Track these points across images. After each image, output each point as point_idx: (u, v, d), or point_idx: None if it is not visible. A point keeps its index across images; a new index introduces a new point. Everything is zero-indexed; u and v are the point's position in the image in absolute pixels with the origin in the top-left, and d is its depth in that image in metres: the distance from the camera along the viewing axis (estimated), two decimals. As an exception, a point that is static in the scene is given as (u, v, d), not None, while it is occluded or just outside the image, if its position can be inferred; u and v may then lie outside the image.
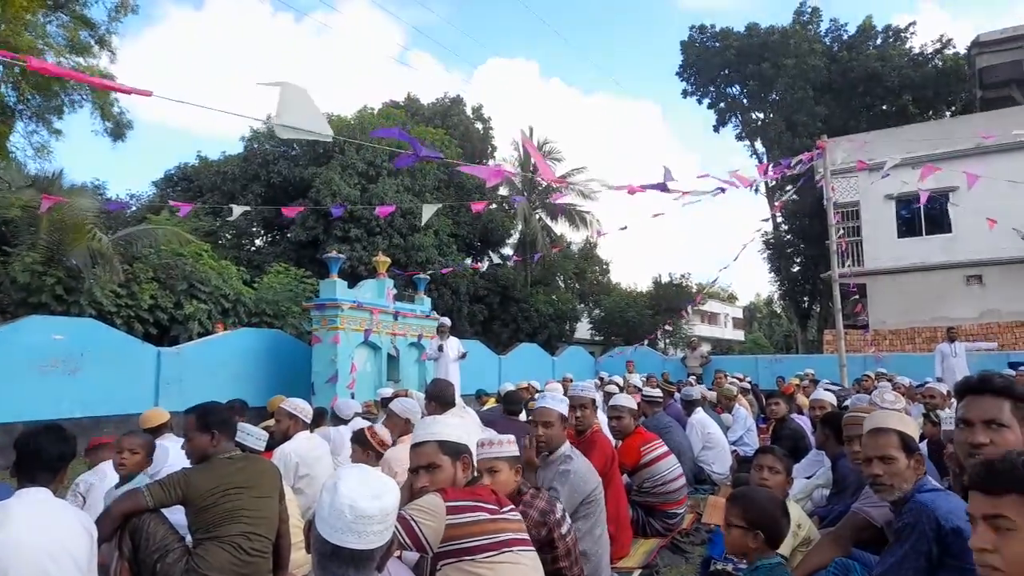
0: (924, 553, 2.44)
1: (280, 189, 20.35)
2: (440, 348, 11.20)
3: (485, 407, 9.30)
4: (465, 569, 2.40)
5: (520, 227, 26.81)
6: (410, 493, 2.74)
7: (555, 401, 4.00)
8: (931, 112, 29.06)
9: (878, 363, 13.48)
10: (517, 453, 3.14)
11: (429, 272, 16.44)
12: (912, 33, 29.62)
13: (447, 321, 11.96)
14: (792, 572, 3.16)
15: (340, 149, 19.89)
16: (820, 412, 5.50)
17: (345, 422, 5.96)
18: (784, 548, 3.47)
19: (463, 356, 11.60)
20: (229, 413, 3.49)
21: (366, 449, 4.43)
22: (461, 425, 2.95)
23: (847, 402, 5.44)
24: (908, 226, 20.67)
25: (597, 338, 30.71)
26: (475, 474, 2.86)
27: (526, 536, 2.65)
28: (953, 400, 7.27)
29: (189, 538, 3.20)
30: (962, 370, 12.15)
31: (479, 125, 28.72)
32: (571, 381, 10.74)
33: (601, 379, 11.44)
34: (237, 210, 5.22)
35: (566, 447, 3.92)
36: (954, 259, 19.48)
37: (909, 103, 27.99)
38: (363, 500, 1.66)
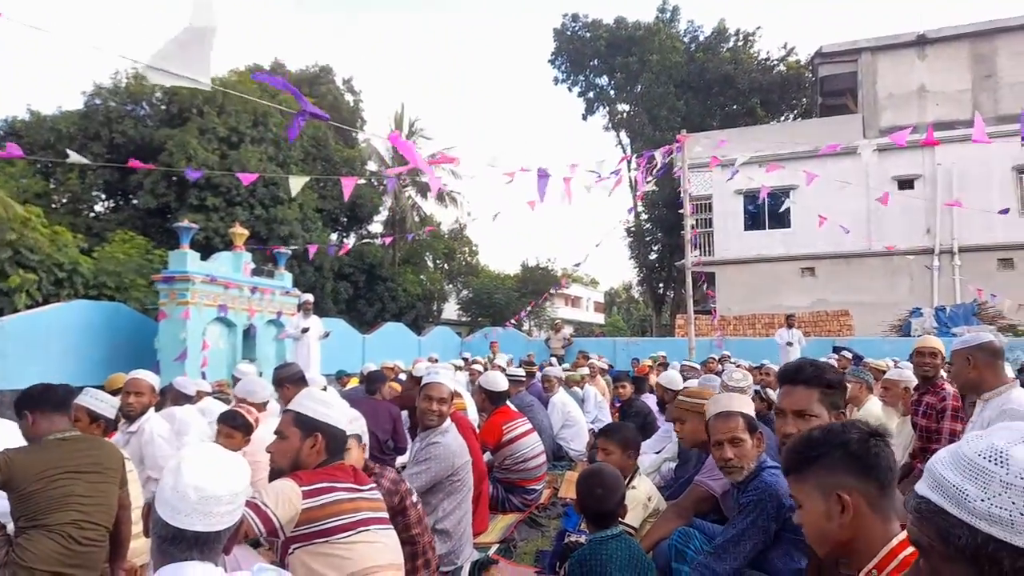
0: (764, 528, 2.65)
1: (125, 151, 18.66)
2: (305, 329, 10.83)
3: (347, 387, 9.11)
4: (319, 552, 2.35)
5: (389, 204, 26.35)
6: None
7: (447, 378, 4.08)
8: (777, 115, 31.39)
9: (720, 348, 14.50)
10: (364, 431, 3.20)
11: (292, 247, 15.79)
12: (759, 37, 31.85)
13: (310, 298, 11.56)
14: (639, 541, 3.35)
15: (199, 111, 18.58)
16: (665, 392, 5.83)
17: (191, 400, 5.62)
18: (634, 519, 3.66)
19: (326, 335, 11.29)
20: (50, 391, 3.15)
21: (237, 431, 4.03)
22: (331, 405, 2.84)
23: (696, 382, 5.78)
24: (754, 220, 22.34)
25: (464, 319, 30.89)
26: (331, 454, 2.80)
27: (385, 514, 2.64)
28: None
29: (11, 526, 2.91)
30: (796, 354, 13.35)
31: (350, 97, 27.84)
32: (436, 361, 10.74)
33: (465, 359, 11.53)
34: (75, 157, 4.69)
35: (448, 423, 3.99)
36: (791, 252, 21.31)
37: (758, 105, 30.06)
38: (210, 480, 1.57)
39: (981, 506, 0.88)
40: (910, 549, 1.41)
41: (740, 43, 31.47)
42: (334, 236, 25.14)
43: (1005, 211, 12.35)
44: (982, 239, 18.89)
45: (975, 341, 3.47)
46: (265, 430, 3.81)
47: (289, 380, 5.39)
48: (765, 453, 2.90)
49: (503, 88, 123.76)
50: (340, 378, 10.45)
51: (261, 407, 4.80)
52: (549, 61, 33.68)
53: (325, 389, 5.90)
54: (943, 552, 0.92)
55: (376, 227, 27.70)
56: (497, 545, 4.38)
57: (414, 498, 3.24)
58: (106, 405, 3.69)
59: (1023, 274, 18.79)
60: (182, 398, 5.59)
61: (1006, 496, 0.86)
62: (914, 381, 5.01)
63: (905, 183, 20.31)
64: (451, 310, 31.32)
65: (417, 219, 27.67)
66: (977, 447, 0.93)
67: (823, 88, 24.03)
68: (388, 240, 14.65)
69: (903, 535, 1.48)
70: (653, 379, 9.41)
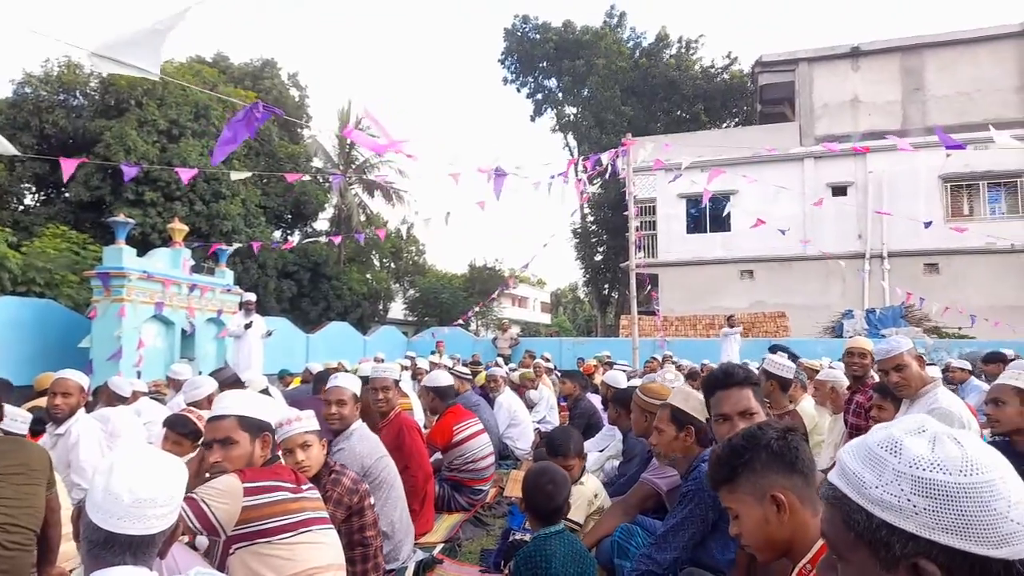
0: (701, 517, 2.73)
1: (57, 142, 17.94)
2: (248, 325, 10.59)
3: (289, 388, 8.96)
4: (261, 552, 2.32)
5: (335, 201, 25.96)
6: (197, 468, 2.61)
7: (348, 380, 4.03)
8: (719, 121, 32.16)
9: (663, 348, 14.78)
10: (318, 427, 3.17)
11: (235, 243, 15.40)
12: (702, 45, 32.59)
13: (252, 297, 11.31)
14: (583, 538, 3.40)
15: (137, 103, 17.96)
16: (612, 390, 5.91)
17: (126, 401, 5.44)
18: (579, 516, 3.72)
19: (268, 334, 11.07)
20: None
21: (186, 439, 3.71)
22: (265, 402, 2.84)
23: (639, 381, 5.89)
24: (696, 223, 22.84)
25: (411, 318, 30.67)
26: (276, 453, 2.80)
27: (325, 515, 2.63)
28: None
29: None
30: (734, 353, 13.73)
31: (295, 92, 27.31)
32: (382, 361, 10.64)
33: (411, 359, 11.46)
34: (3, 145, 4.45)
35: (355, 425, 3.94)
36: (731, 255, 21.88)
37: (701, 111, 30.76)
38: (145, 482, 1.53)
39: (875, 492, 0.93)
40: None
41: (683, 50, 32.14)
42: (277, 234, 24.64)
43: (928, 224, 12.95)
44: (910, 245, 19.72)
45: (904, 347, 3.61)
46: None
47: (226, 384, 5.26)
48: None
49: (453, 86, 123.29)
50: (283, 378, 10.25)
51: (207, 403, 4.64)
52: (499, 61, 33.83)
53: (266, 390, 5.80)
54: (846, 539, 0.97)
55: (322, 224, 27.29)
56: (442, 545, 4.38)
57: (372, 500, 3.25)
58: (18, 423, 3.54)
59: (948, 278, 19.70)
60: (117, 399, 5.40)
61: (896, 484, 0.91)
62: (843, 381, 5.21)
63: (839, 190, 21.07)
64: (397, 310, 31.08)
65: (364, 217, 27.34)
66: (877, 437, 0.98)
67: (763, 96, 24.72)
68: (336, 239, 14.43)
69: None
70: (598, 378, 9.54)
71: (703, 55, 32.60)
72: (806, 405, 5.74)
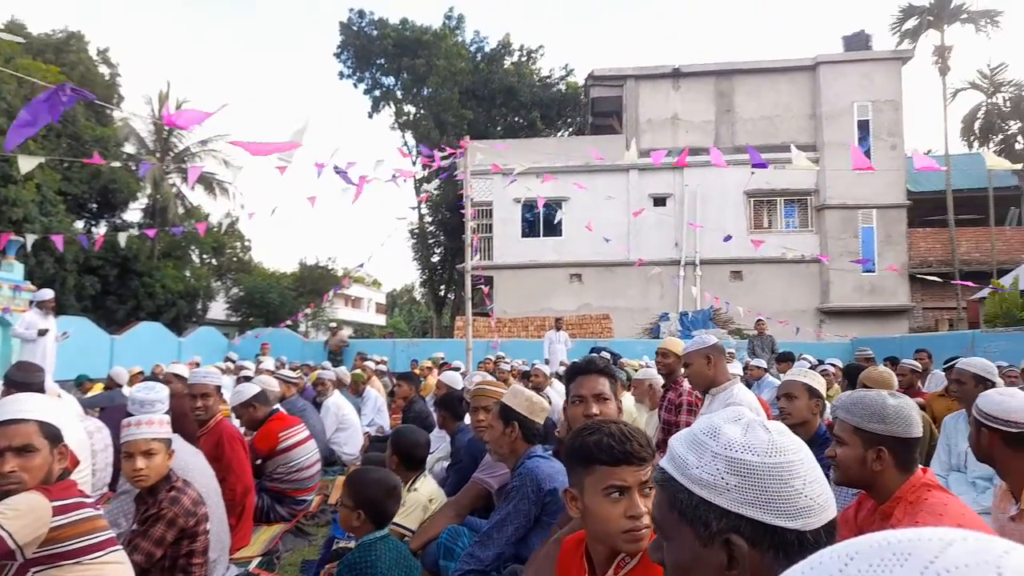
0: (524, 512, 2.79)
1: None
2: (43, 332, 9.38)
3: (88, 395, 8.09)
4: (73, 573, 2.08)
5: (149, 191, 23.89)
6: None
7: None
8: (555, 129, 33.37)
9: (496, 349, 15.05)
10: (171, 435, 2.97)
11: (28, 233, 13.63)
12: (541, 55, 33.71)
13: (47, 294, 10.06)
14: (412, 540, 3.36)
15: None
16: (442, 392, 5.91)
17: None
18: (413, 522, 3.65)
19: (64, 336, 9.93)
20: None
21: None
22: (58, 409, 2.51)
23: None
24: (530, 227, 23.54)
25: (234, 319, 28.91)
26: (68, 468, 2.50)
27: (112, 534, 2.39)
28: (554, 379, 8.42)
29: None
30: (562, 354, 14.24)
31: (105, 69, 24.82)
32: (198, 365, 9.91)
33: (232, 361, 10.79)
34: None
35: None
36: (562, 259, 22.77)
37: (538, 119, 31.74)
38: None
39: (696, 472, 1.02)
40: None
41: (524, 58, 33.03)
42: (80, 224, 22.26)
43: (728, 238, 14.28)
44: (719, 254, 21.54)
45: (710, 342, 3.96)
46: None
47: (20, 388, 4.57)
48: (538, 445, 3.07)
49: (285, 77, 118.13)
50: (81, 384, 9.21)
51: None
52: (335, 55, 32.81)
53: (60, 397, 5.18)
54: (671, 519, 1.05)
55: (133, 216, 25.02)
56: (259, 559, 4.14)
57: (208, 525, 3.04)
58: None
59: (750, 284, 21.80)
60: None
61: (713, 464, 1.01)
62: (659, 379, 5.58)
63: (659, 200, 22.63)
64: (219, 309, 29.15)
65: (182, 210, 25.42)
66: (701, 425, 1.09)
67: (594, 108, 25.95)
68: (150, 232, 13.16)
69: None
70: (431, 380, 9.51)
71: (542, 65, 33.74)
72: (626, 402, 6.08)
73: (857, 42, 23.38)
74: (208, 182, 25.62)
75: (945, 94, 24.50)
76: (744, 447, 1.01)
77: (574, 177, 19.69)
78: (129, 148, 24.70)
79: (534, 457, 2.96)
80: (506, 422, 3.02)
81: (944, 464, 4.41)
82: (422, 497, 3.77)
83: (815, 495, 0.99)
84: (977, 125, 24.97)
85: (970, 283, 15.79)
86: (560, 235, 22.85)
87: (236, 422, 5.86)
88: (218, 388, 4.61)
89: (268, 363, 9.63)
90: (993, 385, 3.91)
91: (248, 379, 6.88)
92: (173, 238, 23.50)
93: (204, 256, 28.60)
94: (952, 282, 16.92)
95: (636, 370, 7.42)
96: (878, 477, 2.13)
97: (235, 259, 31.48)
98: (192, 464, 3.60)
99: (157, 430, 2.89)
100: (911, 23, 24.78)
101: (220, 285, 29.28)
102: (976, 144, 25.05)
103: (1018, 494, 2.48)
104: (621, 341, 17.22)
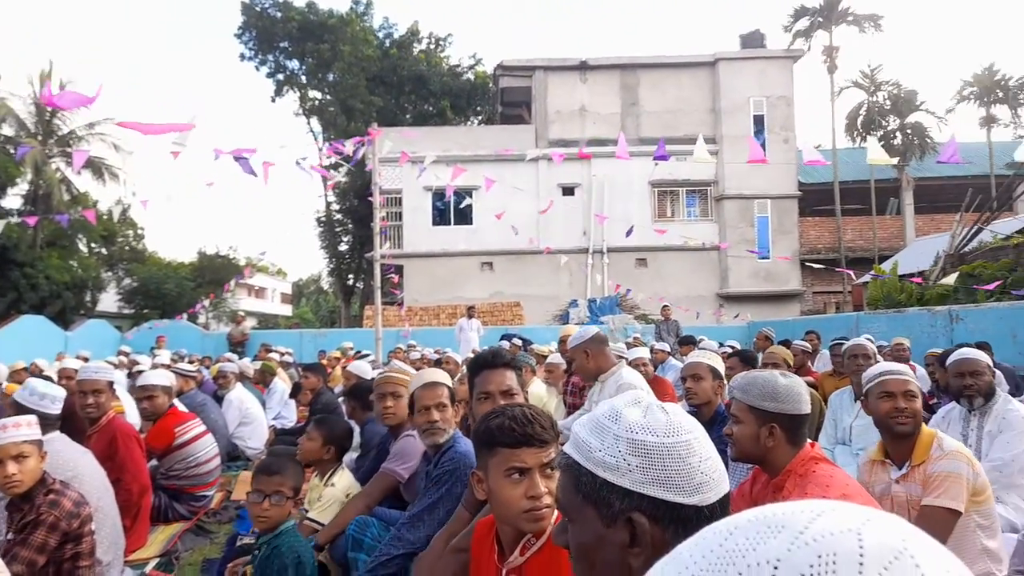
0: (458, 496, 2.78)
1: None
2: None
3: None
4: None
5: (30, 176, 22.21)
6: None
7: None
8: (464, 118, 33.23)
9: (407, 338, 14.91)
10: (41, 436, 2.82)
11: None
12: (450, 43, 33.47)
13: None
14: (321, 532, 3.31)
15: None
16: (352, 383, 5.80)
17: None
18: (328, 517, 3.58)
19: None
20: None
21: None
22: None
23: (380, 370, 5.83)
24: (441, 216, 23.41)
25: (127, 311, 27.38)
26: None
27: None
28: (464, 368, 8.44)
29: None
30: (475, 342, 14.27)
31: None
32: (88, 360, 9.34)
33: (125, 355, 10.22)
34: None
35: (52, 435, 3.43)
36: (473, 248, 22.78)
37: (448, 107, 31.53)
38: None
39: (599, 455, 1.05)
40: None
41: (433, 46, 32.67)
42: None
43: (630, 231, 14.72)
44: (624, 242, 22.08)
45: (588, 335, 4.08)
46: None
47: None
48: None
49: (182, 57, 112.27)
50: (-48, 384, 8.48)
51: None
52: (236, 35, 31.47)
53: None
54: (575, 501, 1.08)
55: (12, 202, 23.23)
56: (156, 560, 3.95)
57: (93, 525, 2.89)
58: None
59: (654, 271, 22.50)
60: None
61: (615, 446, 1.04)
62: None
63: (568, 190, 22.98)
64: (110, 301, 27.52)
65: (68, 196, 23.78)
66: (603, 409, 1.11)
67: (503, 98, 26.01)
68: (32, 220, 12.17)
69: None
70: (338, 371, 9.34)
71: (451, 53, 33.47)
72: (535, 388, 6.16)
73: (753, 40, 24.42)
74: (97, 167, 24.00)
75: (833, 91, 26.08)
76: (644, 428, 1.05)
77: (484, 166, 19.69)
78: (7, 130, 22.90)
79: (462, 440, 2.97)
80: (453, 403, 3.06)
81: (831, 438, 4.72)
82: (339, 492, 3.69)
83: (710, 471, 1.04)
84: (860, 121, 26.61)
85: (851, 272, 16.94)
86: (471, 223, 22.84)
87: (134, 418, 5.57)
88: (111, 384, 4.37)
89: (164, 357, 9.18)
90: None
91: (142, 373, 6.54)
92: (58, 226, 21.93)
93: (93, 245, 26.89)
94: (837, 269, 18.06)
95: (547, 355, 7.53)
96: (770, 452, 2.25)
97: (127, 248, 29.73)
98: (81, 464, 3.41)
99: (27, 432, 2.74)
100: (802, 23, 26.16)
101: (111, 276, 27.63)
102: (860, 139, 26.70)
103: (900, 460, 2.73)
104: (532, 328, 17.42)
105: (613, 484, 1.03)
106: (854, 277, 19.71)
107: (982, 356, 3.60)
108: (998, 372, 5.02)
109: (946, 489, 2.51)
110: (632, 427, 1.05)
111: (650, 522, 1.01)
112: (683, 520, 1.01)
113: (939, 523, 2.48)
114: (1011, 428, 3.37)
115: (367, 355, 10.77)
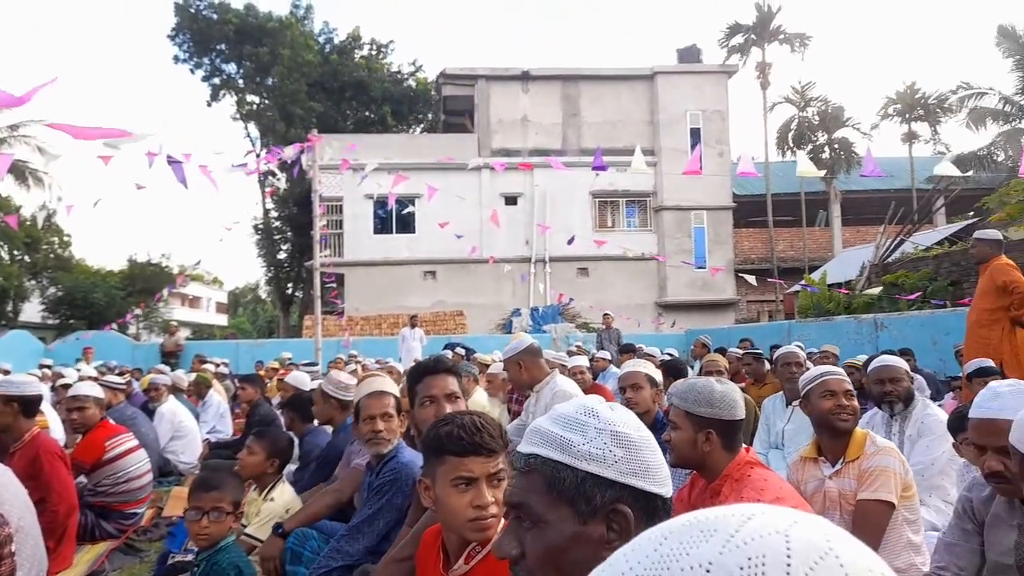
0: (398, 506, 2.79)
1: None
2: None
3: None
4: None
5: (-57, 179, 21.05)
6: None
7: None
8: (406, 126, 33.03)
9: (348, 347, 14.71)
10: None
11: None
12: (392, 50, 33.26)
13: None
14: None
15: None
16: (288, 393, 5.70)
17: None
18: (265, 533, 3.49)
19: None
20: None
21: None
22: None
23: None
24: (383, 224, 23.17)
25: (51, 321, 26.17)
26: None
27: None
28: (404, 377, 8.37)
29: None
30: (417, 351, 14.16)
31: None
32: (8, 373, 8.89)
33: (48, 368, 9.77)
34: None
35: None
36: (416, 256, 22.64)
37: (389, 114, 31.29)
38: None
39: (584, 448, 1.08)
40: None
41: (374, 52, 32.40)
42: None
43: (571, 240, 14.89)
44: (566, 251, 22.30)
45: (521, 347, 4.12)
46: None
47: None
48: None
49: (114, 58, 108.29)
50: None
51: None
52: (169, 37, 30.54)
53: None
54: (545, 501, 1.08)
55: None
56: (82, 581, 3.79)
57: (13, 547, 2.72)
58: None
59: (596, 280, 22.78)
60: None
61: (600, 439, 1.08)
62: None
63: (511, 200, 23.09)
64: (33, 311, 26.27)
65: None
66: (572, 407, 1.15)
67: (446, 107, 25.98)
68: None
69: None
70: (275, 382, 9.14)
71: (392, 60, 33.20)
72: (478, 396, 6.16)
73: (690, 55, 25.09)
74: (20, 171, 22.92)
75: (765, 107, 27.00)
76: (621, 422, 1.11)
77: (427, 174, 19.62)
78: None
79: (405, 450, 2.95)
80: (398, 413, 3.03)
81: (764, 443, 4.87)
82: (278, 507, 3.60)
83: (666, 467, 1.12)
84: (791, 136, 27.63)
85: (782, 281, 17.51)
86: (414, 232, 22.71)
87: (59, 433, 5.34)
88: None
89: (89, 369, 8.81)
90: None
91: (67, 387, 6.27)
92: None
93: (16, 252, 25.64)
94: (770, 279, 18.67)
95: (489, 364, 7.55)
96: (707, 457, 2.32)
97: (52, 256, 28.42)
98: (0, 483, 3.24)
99: None
100: (737, 40, 27.03)
101: (35, 284, 26.38)
102: (790, 153, 27.71)
103: (834, 457, 2.85)
104: (475, 337, 17.41)
105: (598, 476, 1.06)
106: (786, 286, 20.42)
107: (901, 363, 3.77)
108: (918, 378, 5.28)
109: (882, 483, 2.63)
110: (611, 421, 1.10)
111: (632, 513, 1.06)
112: (654, 510, 1.07)
113: (876, 515, 2.61)
114: (930, 432, 3.54)
115: (313, 365, 10.57)
